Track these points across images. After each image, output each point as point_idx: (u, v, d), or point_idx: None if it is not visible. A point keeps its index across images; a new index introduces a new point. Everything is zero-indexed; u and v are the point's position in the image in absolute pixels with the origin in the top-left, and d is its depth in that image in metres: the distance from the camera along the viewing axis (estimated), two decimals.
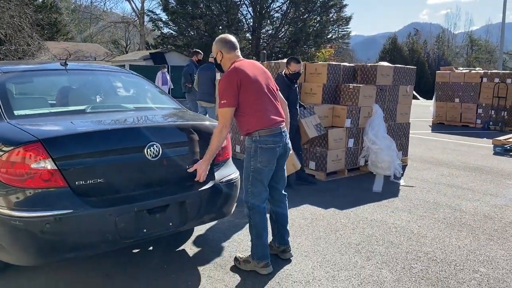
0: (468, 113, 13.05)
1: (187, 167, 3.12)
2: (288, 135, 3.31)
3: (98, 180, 2.69)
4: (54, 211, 2.51)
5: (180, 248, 3.67)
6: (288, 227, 3.54)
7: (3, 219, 2.51)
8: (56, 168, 2.57)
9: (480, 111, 12.78)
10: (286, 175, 3.47)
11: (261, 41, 31.19)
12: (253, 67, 3.20)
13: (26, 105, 3.27)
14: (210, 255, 3.53)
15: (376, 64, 6.97)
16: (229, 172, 3.40)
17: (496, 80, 12.33)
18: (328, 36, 32.51)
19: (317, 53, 31.58)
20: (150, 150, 2.87)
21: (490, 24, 60.01)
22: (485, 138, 10.75)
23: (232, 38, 3.27)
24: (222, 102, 3.03)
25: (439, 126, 13.47)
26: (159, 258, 3.45)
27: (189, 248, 3.68)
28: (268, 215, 3.39)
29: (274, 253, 3.47)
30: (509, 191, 5.83)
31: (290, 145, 3.35)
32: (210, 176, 3.20)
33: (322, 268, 3.37)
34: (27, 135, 2.63)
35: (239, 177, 3.47)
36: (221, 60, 3.25)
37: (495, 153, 8.67)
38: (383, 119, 6.60)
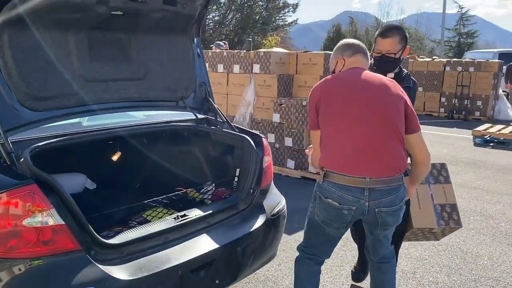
0: (432, 102, 13.01)
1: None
2: (393, 199, 2.11)
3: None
4: None
5: None
6: None
7: None
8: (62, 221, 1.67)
9: (443, 100, 12.80)
10: (388, 247, 2.35)
11: (207, 27, 29.94)
12: (348, 81, 2.18)
13: None
14: None
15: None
16: (276, 200, 2.59)
17: (459, 68, 12.35)
18: (275, 24, 31.92)
19: (264, 41, 30.86)
20: None
21: (418, 13, 62.32)
22: (455, 128, 10.71)
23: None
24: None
25: None
26: None
27: None
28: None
29: None
30: None
31: (397, 217, 2.17)
32: (259, 209, 2.40)
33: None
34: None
35: (285, 204, 2.69)
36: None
37: (476, 144, 8.51)
38: None
